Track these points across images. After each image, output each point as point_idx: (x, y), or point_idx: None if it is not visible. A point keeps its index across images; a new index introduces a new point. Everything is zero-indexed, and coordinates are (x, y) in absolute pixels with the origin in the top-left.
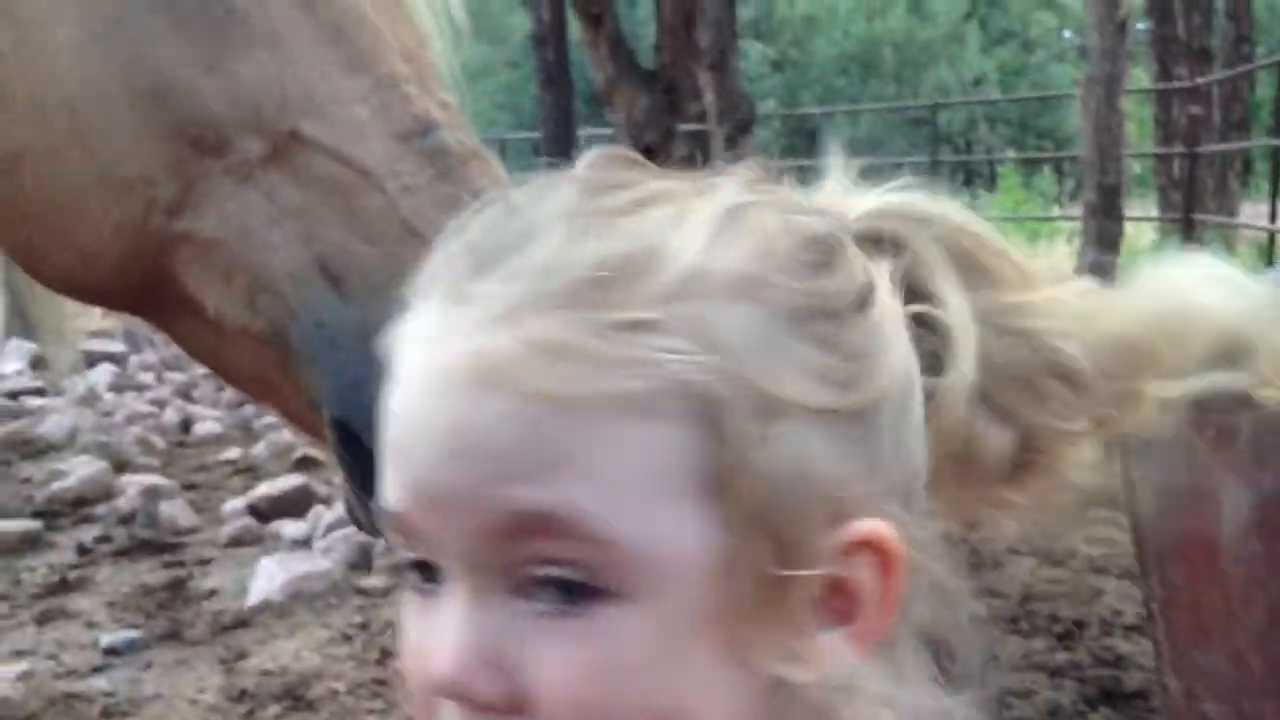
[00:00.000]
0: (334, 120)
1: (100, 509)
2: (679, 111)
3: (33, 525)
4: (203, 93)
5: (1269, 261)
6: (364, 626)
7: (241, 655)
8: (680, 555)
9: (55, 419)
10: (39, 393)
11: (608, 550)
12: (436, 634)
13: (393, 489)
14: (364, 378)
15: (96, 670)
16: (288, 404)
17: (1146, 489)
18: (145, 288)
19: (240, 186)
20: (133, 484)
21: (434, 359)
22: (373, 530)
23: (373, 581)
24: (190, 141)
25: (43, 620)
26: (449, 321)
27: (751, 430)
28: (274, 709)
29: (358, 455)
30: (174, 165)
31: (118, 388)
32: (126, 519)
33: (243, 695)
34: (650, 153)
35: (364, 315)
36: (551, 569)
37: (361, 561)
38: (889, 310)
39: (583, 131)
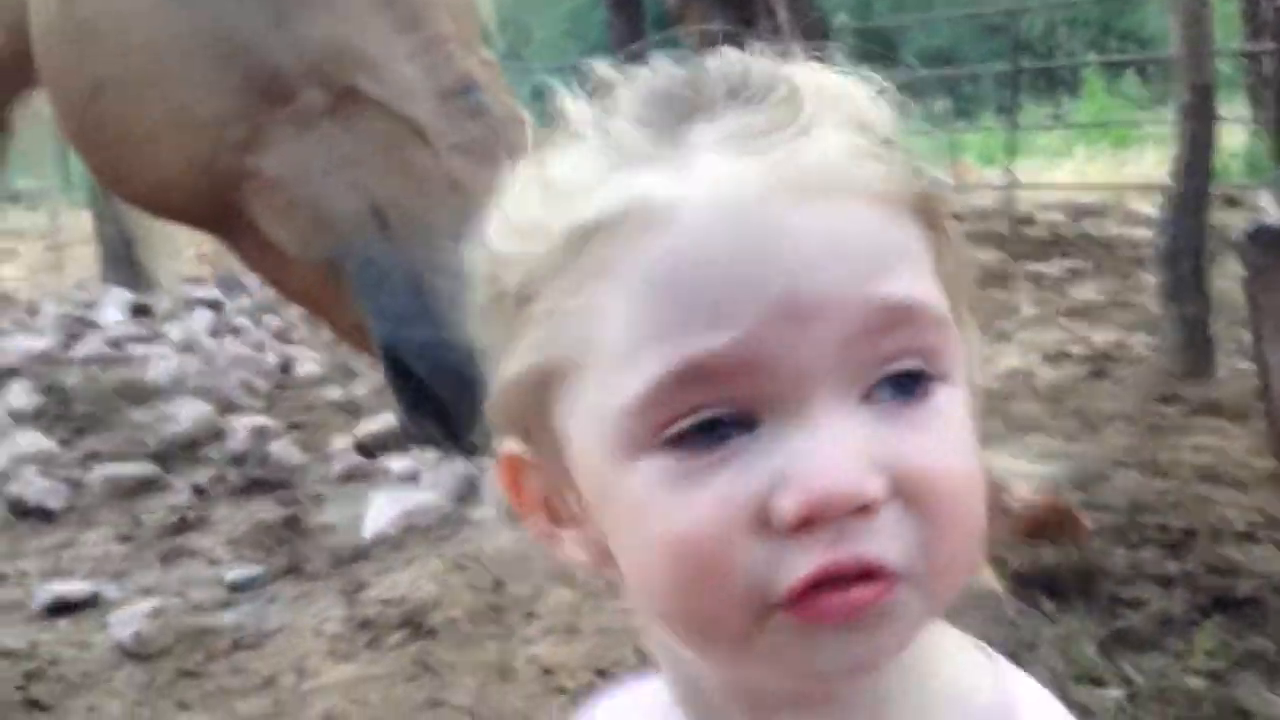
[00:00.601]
0: (386, 77)
1: (211, 451)
2: (753, 29)
3: (148, 468)
4: (270, 48)
5: None
6: (475, 557)
7: (361, 587)
8: (956, 334)
9: (160, 365)
10: (141, 340)
11: (947, 333)
12: (797, 461)
13: (703, 338)
14: (409, 313)
15: (223, 605)
16: (338, 320)
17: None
18: (213, 214)
19: (302, 133)
20: (241, 425)
21: (746, 182)
22: (422, 440)
23: (482, 513)
24: (259, 90)
25: (166, 559)
26: (742, 146)
27: (948, 227)
28: (396, 636)
29: (405, 379)
30: (243, 110)
31: (216, 332)
32: (238, 459)
33: (365, 624)
34: None
35: (410, 258)
36: (905, 361)
37: (469, 493)
38: None
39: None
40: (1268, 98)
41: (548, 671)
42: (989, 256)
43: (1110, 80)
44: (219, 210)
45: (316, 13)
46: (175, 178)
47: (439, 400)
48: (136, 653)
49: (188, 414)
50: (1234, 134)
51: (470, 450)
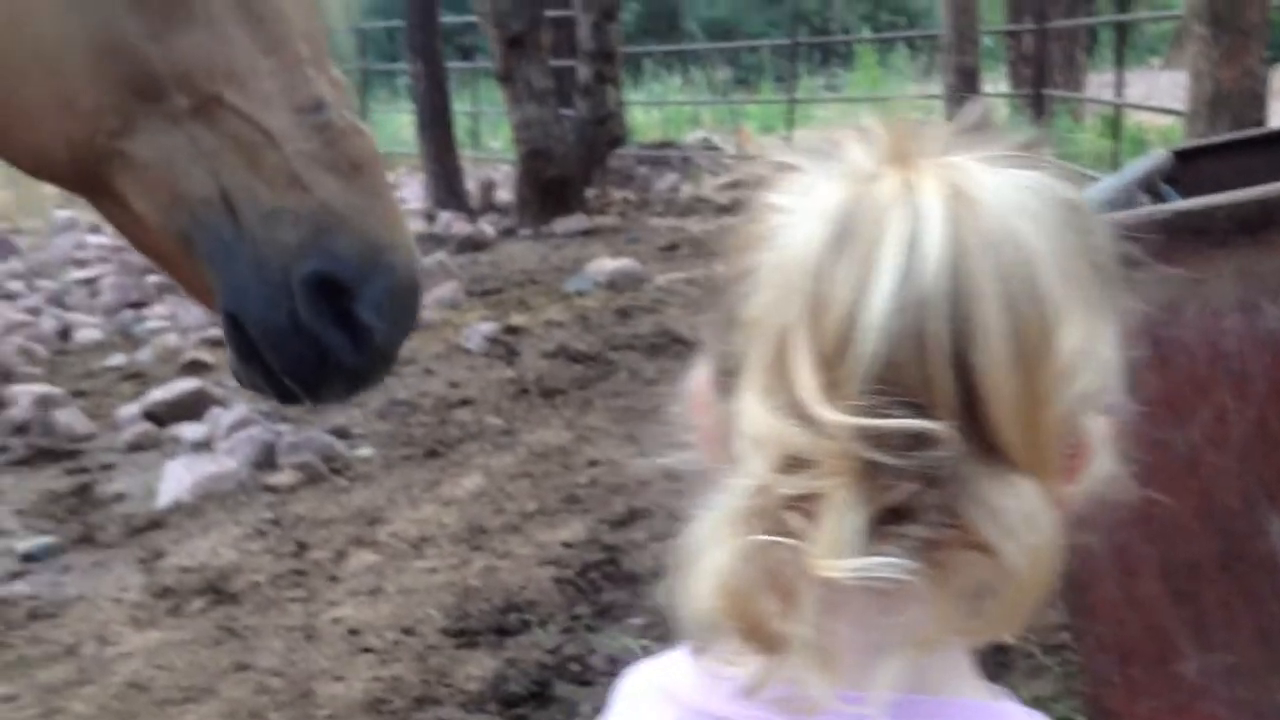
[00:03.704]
0: (249, 91)
1: None
2: (542, 7)
3: None
4: (149, 56)
5: (1114, 134)
6: (275, 522)
7: (159, 555)
8: None
9: None
10: None
11: None
12: None
13: None
14: (245, 284)
15: (15, 576)
16: (190, 281)
17: None
18: (85, 183)
19: (171, 127)
20: (23, 393)
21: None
22: (250, 385)
23: (280, 479)
24: (135, 89)
25: None
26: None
27: None
28: (198, 603)
29: (240, 335)
30: (120, 104)
31: None
32: (21, 428)
33: (166, 592)
34: (518, 42)
35: (251, 238)
36: None
37: (266, 460)
38: None
39: (444, 20)
40: (1027, 74)
41: (353, 632)
42: None
43: (882, 54)
44: (91, 181)
45: (193, 29)
46: (54, 152)
47: (264, 359)
48: None
49: None
50: (997, 108)
51: (288, 398)
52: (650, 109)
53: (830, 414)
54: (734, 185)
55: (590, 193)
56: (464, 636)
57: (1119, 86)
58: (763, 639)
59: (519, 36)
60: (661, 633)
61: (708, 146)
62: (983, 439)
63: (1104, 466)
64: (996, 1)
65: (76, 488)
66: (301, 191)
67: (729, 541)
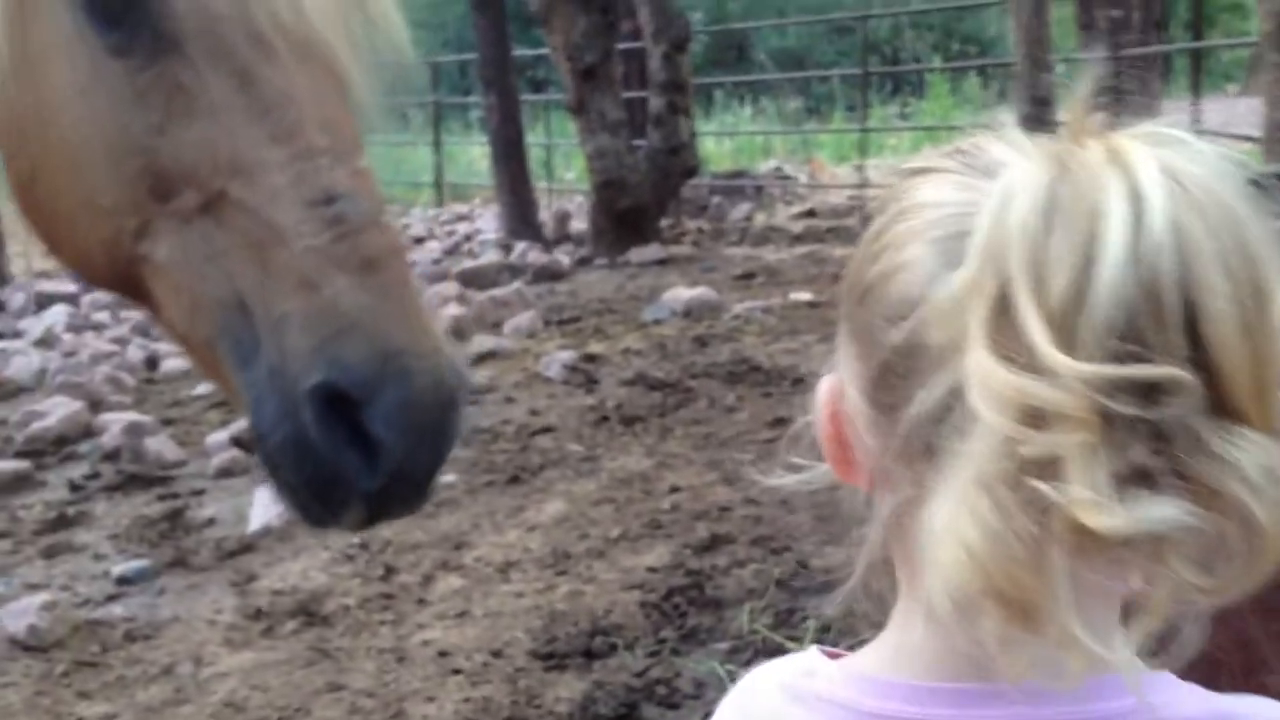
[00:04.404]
0: (256, 185)
1: (83, 447)
2: (615, 31)
3: (22, 465)
4: (154, 151)
5: None
6: (363, 546)
7: (251, 578)
8: None
9: (20, 361)
10: None
11: None
12: None
13: None
14: (263, 395)
15: (112, 599)
16: (227, 386)
17: None
18: (126, 286)
19: (183, 227)
20: (113, 421)
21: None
22: (293, 509)
23: None
24: (146, 187)
25: (50, 554)
26: None
27: None
28: (291, 625)
29: (266, 454)
30: (135, 203)
31: (75, 328)
32: (111, 455)
33: (259, 614)
34: (590, 73)
35: (266, 345)
36: None
37: None
38: None
39: (516, 53)
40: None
41: (443, 654)
42: (843, 252)
43: (954, 82)
44: (130, 284)
45: (196, 121)
46: (93, 255)
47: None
48: (32, 645)
49: (57, 411)
50: None
51: (313, 519)
52: (722, 139)
53: (1074, 364)
54: (808, 214)
55: (665, 222)
56: (552, 659)
57: (1195, 113)
58: (1021, 609)
59: (591, 68)
60: (747, 657)
61: (780, 176)
62: (1214, 395)
63: None
64: (1068, 29)
65: (168, 513)
66: (310, 292)
67: (981, 511)
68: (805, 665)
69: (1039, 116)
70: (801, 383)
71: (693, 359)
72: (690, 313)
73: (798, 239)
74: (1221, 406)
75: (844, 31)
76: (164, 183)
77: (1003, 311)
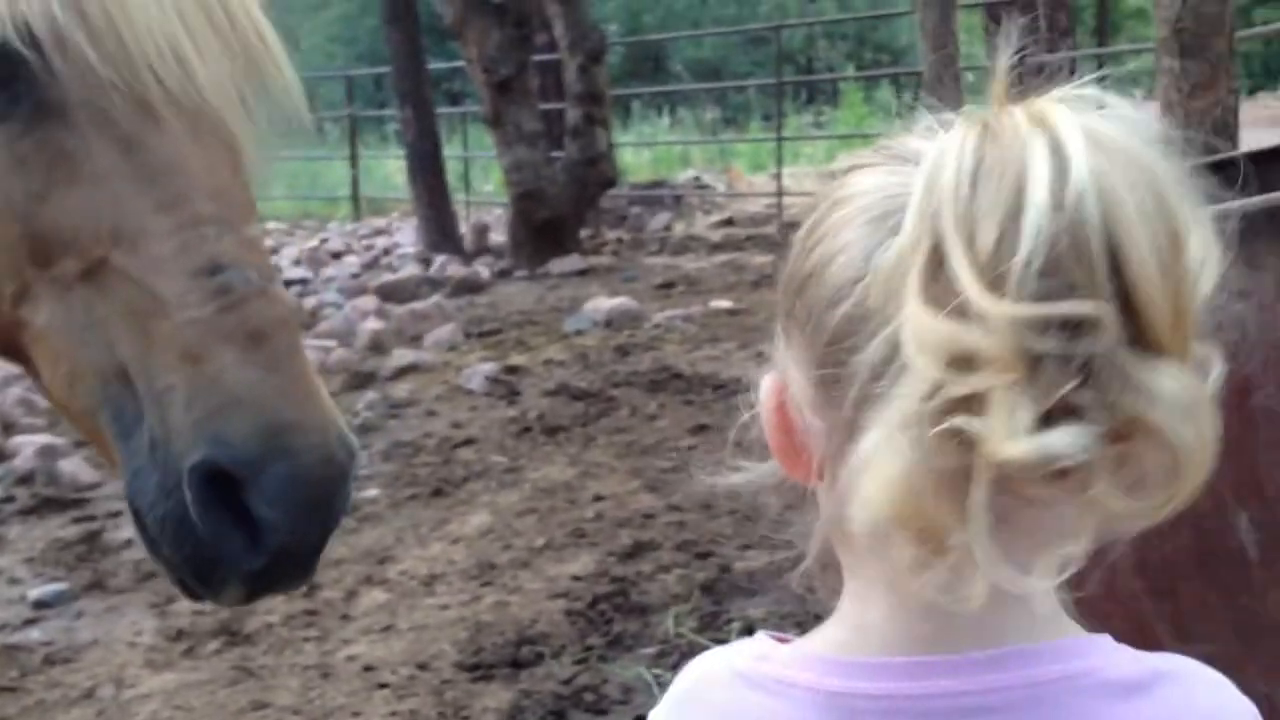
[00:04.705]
0: (139, 254)
1: None
2: (530, 44)
3: None
4: (35, 218)
5: None
6: None
7: (171, 599)
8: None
9: None
10: None
11: None
12: None
13: None
14: (142, 468)
15: (29, 623)
16: (108, 455)
17: None
18: (6, 350)
19: (64, 294)
20: (26, 444)
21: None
22: (172, 581)
23: None
24: (24, 253)
25: None
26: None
27: None
28: (213, 645)
29: (144, 528)
30: (13, 268)
31: None
32: (25, 478)
33: (180, 635)
34: (506, 86)
35: (147, 418)
36: None
37: None
38: None
39: (432, 66)
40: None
41: (368, 669)
42: (761, 260)
43: (867, 90)
44: (9, 348)
45: (78, 187)
46: None
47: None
48: None
49: None
50: None
51: (191, 594)
52: (640, 149)
53: (997, 305)
54: (726, 223)
55: (584, 233)
56: (478, 670)
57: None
58: (926, 536)
59: (507, 81)
60: (674, 661)
61: (699, 185)
62: (1135, 330)
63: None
64: (977, 36)
65: (85, 535)
66: (194, 365)
67: (900, 447)
68: (757, 650)
69: (947, 123)
70: (723, 389)
71: (614, 368)
72: (611, 323)
73: (717, 247)
74: (1142, 340)
75: (759, 42)
76: (44, 249)
77: (937, 267)
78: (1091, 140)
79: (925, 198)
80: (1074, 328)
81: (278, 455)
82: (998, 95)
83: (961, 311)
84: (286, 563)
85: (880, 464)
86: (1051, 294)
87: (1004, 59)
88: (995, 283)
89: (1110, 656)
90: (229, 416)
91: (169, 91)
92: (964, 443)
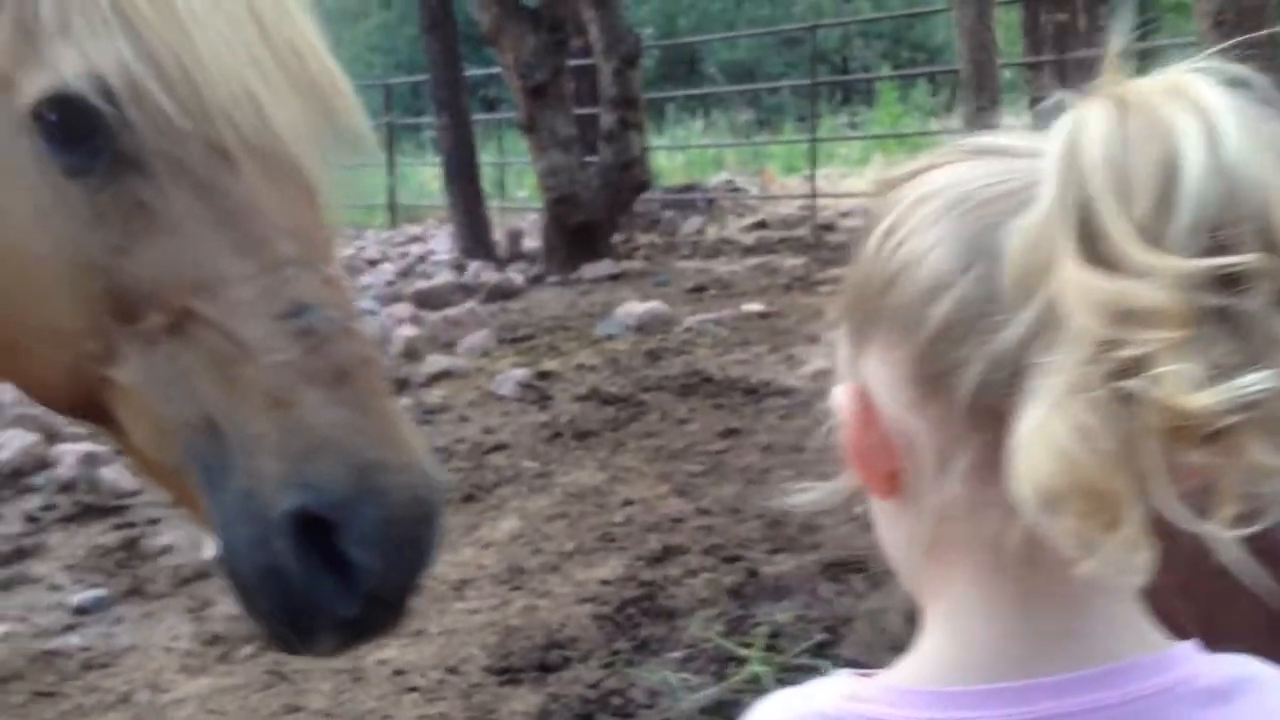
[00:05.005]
0: (221, 300)
1: (39, 479)
2: (565, 49)
3: None
4: (116, 272)
5: None
6: None
7: (207, 604)
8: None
9: None
10: None
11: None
12: None
13: None
14: (234, 519)
15: (68, 629)
16: (198, 514)
17: None
18: (89, 412)
19: (148, 348)
20: (68, 452)
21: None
22: (265, 636)
23: None
24: (108, 309)
25: (6, 586)
26: None
27: None
28: (247, 649)
29: (237, 580)
30: (97, 326)
31: None
32: (68, 486)
33: (215, 639)
34: (540, 91)
35: (237, 467)
36: None
37: None
38: None
39: (468, 73)
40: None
41: (399, 673)
42: (795, 263)
43: (902, 90)
44: (94, 410)
45: (158, 238)
46: (54, 381)
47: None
48: None
49: (13, 444)
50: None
51: (287, 646)
52: (674, 153)
53: (1165, 261)
54: (759, 225)
55: (617, 238)
56: (507, 674)
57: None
58: (1104, 505)
59: (541, 86)
60: (700, 665)
61: (732, 188)
62: None
63: None
64: (1015, 34)
65: (124, 542)
66: (281, 411)
67: (1070, 414)
68: (844, 690)
69: (983, 123)
70: (754, 393)
71: (645, 373)
72: (643, 327)
73: (749, 251)
74: None
75: (793, 43)
76: (127, 303)
77: (1089, 234)
78: (1230, 107)
79: (1066, 170)
80: (1233, 283)
81: (367, 496)
82: (1111, 74)
83: (1124, 271)
84: (379, 607)
85: (1053, 431)
86: (1210, 253)
87: (1118, 42)
88: (1155, 243)
89: (1198, 664)
90: (317, 460)
91: (244, 136)
92: (1135, 403)
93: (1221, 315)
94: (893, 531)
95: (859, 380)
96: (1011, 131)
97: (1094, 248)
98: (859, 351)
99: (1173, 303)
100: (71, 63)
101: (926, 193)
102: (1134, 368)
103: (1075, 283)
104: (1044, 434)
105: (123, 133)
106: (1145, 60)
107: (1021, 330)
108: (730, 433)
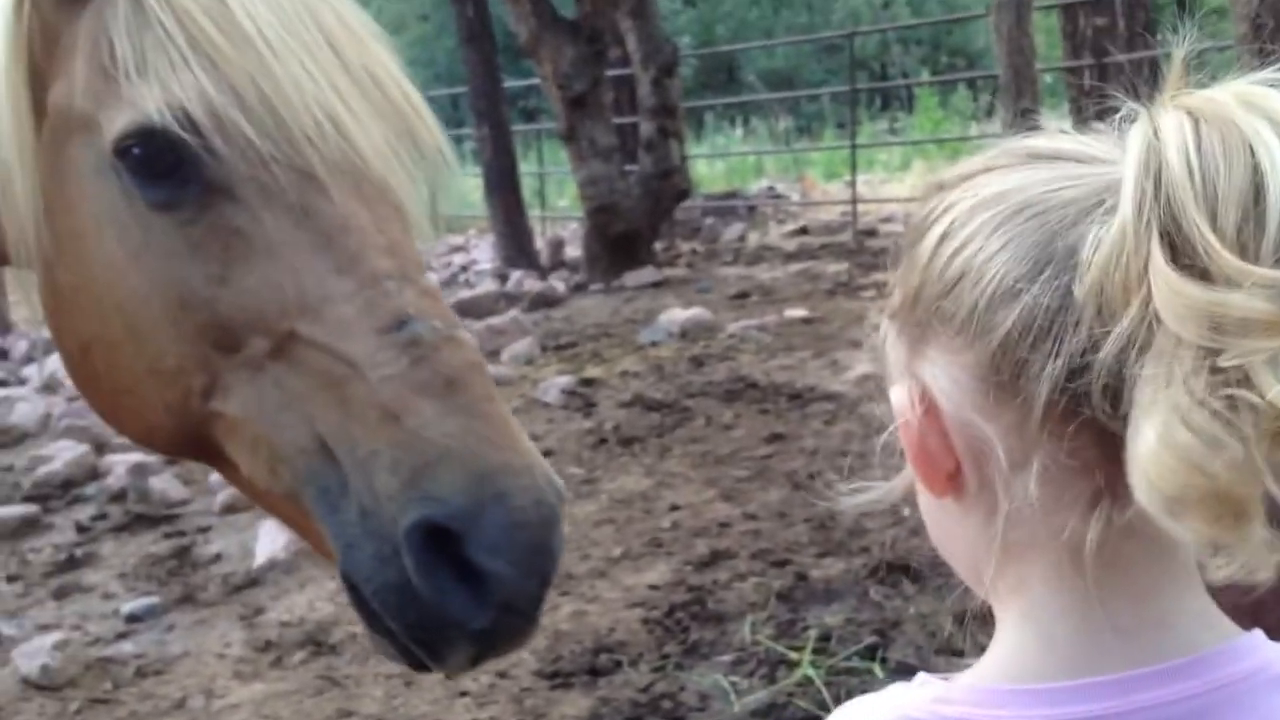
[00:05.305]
0: (325, 320)
1: (90, 489)
2: (603, 59)
3: (29, 509)
4: (217, 302)
5: None
6: None
7: (259, 610)
8: None
9: (24, 408)
10: (1, 384)
11: None
12: None
13: None
14: (355, 538)
15: (122, 636)
16: (317, 543)
17: None
18: (198, 449)
19: (254, 376)
20: (118, 463)
21: None
22: (383, 653)
23: None
24: (211, 341)
25: (60, 595)
26: None
27: None
28: (300, 655)
29: (362, 600)
30: (201, 360)
31: None
32: (118, 496)
33: (268, 645)
34: (580, 101)
35: (354, 486)
36: None
37: None
38: None
39: (507, 84)
40: (1089, 109)
41: (449, 677)
42: (837, 268)
43: (942, 95)
44: (202, 447)
45: (258, 263)
46: (159, 422)
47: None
48: (45, 685)
49: (63, 455)
50: None
51: (417, 664)
52: (714, 161)
53: (1265, 271)
54: (800, 231)
55: (658, 245)
56: (557, 678)
57: None
58: (1235, 510)
59: (581, 96)
60: (750, 668)
61: (772, 195)
62: None
63: None
64: (1054, 39)
65: (175, 550)
66: (394, 424)
67: (1191, 420)
68: (931, 694)
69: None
70: (798, 398)
71: (689, 379)
72: (686, 333)
73: (791, 257)
74: None
75: (832, 49)
76: (229, 333)
77: (1177, 246)
78: None
79: (1147, 181)
80: None
81: (491, 502)
82: (1177, 85)
83: (1219, 281)
84: (511, 616)
85: (1179, 440)
86: None
87: (1180, 54)
88: (1247, 255)
89: (1271, 651)
90: (437, 471)
91: (329, 158)
92: (1248, 411)
93: None
94: (956, 531)
95: (916, 381)
96: (1060, 135)
97: (1186, 259)
98: (915, 354)
99: (1268, 312)
100: (152, 97)
101: (986, 197)
102: (1241, 376)
103: (1173, 293)
104: (1171, 444)
105: (209, 162)
106: (1184, 64)
107: (1120, 341)
108: (775, 437)
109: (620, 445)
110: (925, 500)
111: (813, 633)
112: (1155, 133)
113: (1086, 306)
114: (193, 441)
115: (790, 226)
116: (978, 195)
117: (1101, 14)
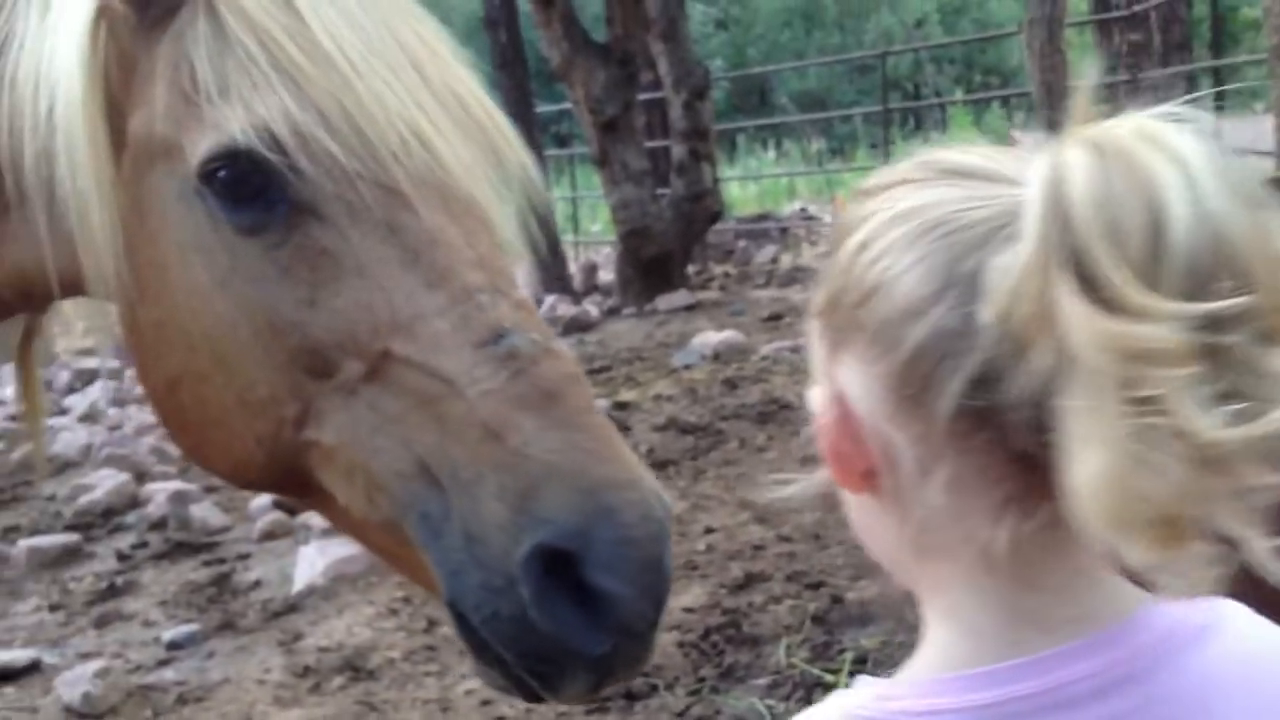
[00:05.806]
0: (419, 337)
1: (130, 517)
2: (635, 83)
3: (71, 538)
4: (307, 325)
5: None
6: (406, 600)
7: (298, 636)
8: None
9: (66, 437)
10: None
11: None
12: None
13: None
14: (461, 565)
15: (163, 663)
16: (417, 573)
17: None
18: (290, 482)
19: (348, 400)
20: (158, 491)
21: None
22: (493, 684)
23: None
24: (303, 367)
25: (101, 624)
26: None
27: None
28: (338, 680)
29: (470, 629)
30: (293, 387)
31: (119, 401)
32: (158, 524)
33: (306, 671)
34: (612, 126)
35: (457, 510)
36: None
37: None
38: None
39: (539, 109)
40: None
41: (485, 702)
42: None
43: (976, 114)
44: (294, 479)
45: (348, 282)
46: (250, 456)
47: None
48: (86, 713)
49: (104, 484)
50: None
51: (530, 694)
52: (746, 183)
53: (1172, 304)
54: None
55: (691, 268)
56: (594, 702)
57: (1217, 132)
58: (1172, 528)
59: (613, 120)
60: (786, 691)
61: (805, 216)
62: (1261, 324)
63: None
64: (1088, 54)
65: (215, 577)
66: (496, 443)
67: (1124, 450)
68: (871, 693)
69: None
70: None
71: (723, 402)
72: (719, 356)
73: None
74: (1267, 334)
75: (864, 70)
76: (321, 357)
77: (1083, 278)
78: (1203, 156)
79: (1051, 213)
80: (1224, 322)
81: (601, 518)
82: (1081, 116)
83: (1126, 313)
84: (628, 639)
85: (1114, 472)
86: (1198, 295)
87: (1089, 82)
88: (1152, 286)
89: (1181, 610)
90: (544, 491)
91: (416, 174)
92: (1168, 437)
93: (1214, 351)
94: (876, 529)
95: (834, 382)
96: (971, 150)
97: (1093, 291)
98: (834, 356)
99: (1178, 342)
100: (236, 119)
101: (902, 211)
102: (1161, 405)
103: (1083, 325)
104: (1106, 475)
105: (296, 182)
106: (1220, 79)
107: (1039, 373)
108: (809, 460)
109: (654, 468)
110: (847, 496)
111: (848, 655)
112: (1059, 166)
113: (992, 331)
114: (285, 473)
115: (823, 248)
116: (894, 208)
117: (1135, 30)
